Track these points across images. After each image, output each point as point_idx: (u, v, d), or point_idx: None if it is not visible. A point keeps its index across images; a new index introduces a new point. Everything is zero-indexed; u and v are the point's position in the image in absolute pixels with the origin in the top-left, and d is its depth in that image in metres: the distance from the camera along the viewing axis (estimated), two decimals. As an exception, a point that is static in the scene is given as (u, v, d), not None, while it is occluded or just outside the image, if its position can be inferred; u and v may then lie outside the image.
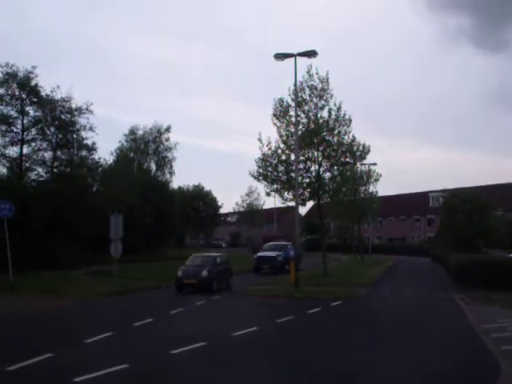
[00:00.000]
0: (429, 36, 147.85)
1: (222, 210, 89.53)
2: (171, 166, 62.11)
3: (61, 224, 33.48)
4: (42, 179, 37.74)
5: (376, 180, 49.93)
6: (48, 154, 37.42)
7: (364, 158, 34.85)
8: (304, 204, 32.63)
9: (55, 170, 37.95)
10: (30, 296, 21.06)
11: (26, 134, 35.76)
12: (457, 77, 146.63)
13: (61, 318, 16.52)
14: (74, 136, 37.96)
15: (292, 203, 30.74)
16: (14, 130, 35.38)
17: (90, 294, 21.75)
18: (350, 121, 29.86)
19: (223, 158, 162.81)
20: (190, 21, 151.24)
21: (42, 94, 35.41)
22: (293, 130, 28.36)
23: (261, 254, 38.22)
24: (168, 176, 62.13)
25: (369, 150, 34.43)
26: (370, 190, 50.30)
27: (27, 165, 36.78)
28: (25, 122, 35.62)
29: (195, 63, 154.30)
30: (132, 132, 60.99)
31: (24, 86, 34.62)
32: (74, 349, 10.96)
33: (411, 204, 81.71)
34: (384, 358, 10.63)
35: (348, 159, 30.89)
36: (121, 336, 12.53)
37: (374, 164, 48.00)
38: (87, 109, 37.22)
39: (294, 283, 24.09)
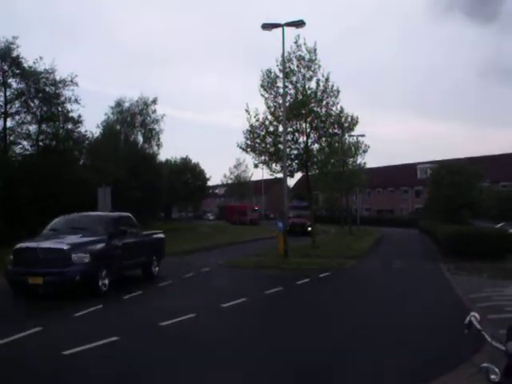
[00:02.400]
0: (421, 6, 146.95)
1: (210, 183, 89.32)
2: (158, 139, 61.61)
3: (47, 198, 33.23)
4: (28, 153, 37.35)
5: (364, 151, 49.84)
6: (33, 128, 36.99)
7: (352, 129, 34.63)
8: (292, 176, 32.57)
9: (41, 144, 37.53)
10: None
11: (9, 106, 35.26)
12: (447, 48, 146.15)
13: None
14: (59, 109, 37.45)
15: (280, 175, 30.70)
16: (-3, 103, 34.84)
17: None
18: (338, 92, 29.68)
19: (211, 131, 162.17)
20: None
21: (25, 65, 34.81)
22: (280, 102, 28.16)
23: None
24: (155, 148, 61.69)
25: (357, 122, 34.19)
26: (358, 162, 50.29)
27: (11, 138, 36.34)
28: (7, 94, 35.09)
29: (183, 35, 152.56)
30: (118, 104, 60.29)
31: (5, 57, 33.93)
32: (63, 323, 10.94)
33: (399, 176, 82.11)
34: (369, 323, 10.79)
35: (336, 130, 30.73)
36: (110, 309, 12.49)
37: (363, 135, 47.87)
38: (72, 81, 36.74)
39: (282, 255, 24.15)
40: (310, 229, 36.78)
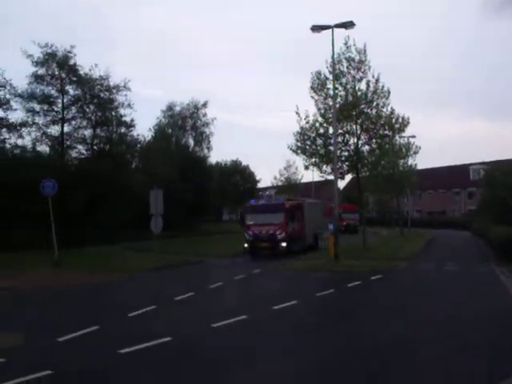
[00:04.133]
0: (476, 3, 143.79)
1: (260, 185, 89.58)
2: (209, 142, 62.38)
3: (102, 200, 34.10)
4: (83, 157, 38.46)
5: (415, 153, 49.04)
6: (88, 132, 38.17)
7: (403, 130, 34.18)
8: (342, 178, 32.47)
9: (95, 148, 38.60)
10: (75, 271, 21.66)
11: (66, 112, 36.40)
12: (505, 47, 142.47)
13: (104, 292, 16.96)
14: (113, 113, 38.59)
15: (330, 177, 30.62)
16: (55, 109, 36.05)
17: (132, 269, 22.24)
18: (389, 93, 29.44)
19: (261, 133, 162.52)
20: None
21: (81, 72, 35.96)
22: (331, 103, 28.13)
23: None
24: (206, 151, 62.46)
25: (408, 123, 33.70)
26: (409, 163, 49.54)
27: (68, 143, 37.49)
28: (65, 100, 36.25)
29: (232, 38, 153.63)
30: (170, 108, 61.30)
31: (63, 65, 35.13)
32: (118, 322, 11.27)
33: (451, 177, 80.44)
34: (423, 330, 10.56)
35: (387, 132, 30.46)
36: (163, 309, 12.78)
37: (413, 137, 47.10)
38: (125, 86, 37.71)
39: (333, 257, 24.13)
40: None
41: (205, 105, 61.36)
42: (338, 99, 28.75)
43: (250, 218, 30.83)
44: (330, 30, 24.92)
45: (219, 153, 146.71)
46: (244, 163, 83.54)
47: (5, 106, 32.28)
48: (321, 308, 13.41)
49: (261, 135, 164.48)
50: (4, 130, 32.75)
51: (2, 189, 28.01)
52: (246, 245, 30.09)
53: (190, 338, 9.73)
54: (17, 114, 36.73)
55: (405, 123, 33.55)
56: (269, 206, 30.91)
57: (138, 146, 42.90)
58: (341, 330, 10.59)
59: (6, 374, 7.44)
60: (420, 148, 49.29)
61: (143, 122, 78.14)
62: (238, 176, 79.85)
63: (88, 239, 32.40)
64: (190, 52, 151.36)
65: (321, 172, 30.40)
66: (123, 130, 39.61)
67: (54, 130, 36.53)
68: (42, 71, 35.10)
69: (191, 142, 62.18)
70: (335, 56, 27.09)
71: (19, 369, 7.66)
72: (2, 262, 23.20)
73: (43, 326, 11.17)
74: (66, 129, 36.69)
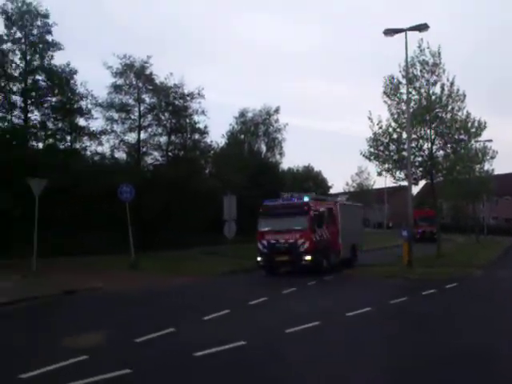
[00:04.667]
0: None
1: (332, 191, 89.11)
2: (281, 147, 62.68)
3: (176, 205, 34.96)
4: (158, 163, 39.63)
5: (492, 157, 47.56)
6: (163, 139, 39.39)
7: (479, 134, 33.29)
8: (416, 183, 31.99)
9: (170, 154, 39.66)
10: (151, 274, 22.37)
11: (142, 120, 37.71)
12: None
13: (180, 295, 17.42)
14: (187, 120, 39.59)
15: (404, 183, 30.18)
16: (132, 117, 37.46)
17: (206, 273, 22.75)
18: (464, 96, 28.79)
19: (333, 138, 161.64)
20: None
21: (157, 81, 37.12)
22: (404, 108, 27.74)
23: None
24: (278, 157, 62.79)
25: (485, 127, 32.76)
26: (486, 169, 48.13)
27: (144, 150, 38.75)
28: (141, 109, 37.56)
29: (300, 43, 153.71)
30: (242, 114, 62.00)
31: (140, 75, 36.40)
32: (193, 325, 11.59)
33: (530, 182, 77.39)
34: (502, 342, 10.12)
35: (462, 136, 29.75)
36: (237, 314, 13.03)
37: (490, 141, 45.59)
38: (199, 93, 38.58)
39: (407, 264, 23.80)
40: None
41: (277, 110, 61.71)
42: (412, 103, 28.34)
43: (264, 223, 24.16)
44: (404, 33, 24.66)
45: (291, 159, 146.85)
46: (316, 169, 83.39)
47: (86, 116, 33.80)
48: (395, 316, 13.27)
49: (332, 140, 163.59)
50: (85, 137, 34.27)
51: (83, 194, 29.23)
52: (259, 258, 23.87)
53: (265, 342, 9.86)
54: (97, 123, 38.47)
55: (481, 127, 32.59)
56: (288, 206, 24.00)
57: (212, 152, 43.71)
58: (417, 339, 10.43)
59: (88, 371, 7.82)
60: (497, 152, 47.76)
61: (216, 129, 79.18)
62: (310, 182, 79.72)
63: (162, 243, 33.29)
64: (262, 56, 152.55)
65: (394, 178, 30.05)
66: (197, 136, 40.60)
67: (131, 137, 38.02)
68: (120, 81, 36.56)
69: (263, 147, 62.68)
70: (409, 59, 26.79)
71: (101, 367, 8.02)
72: (82, 264, 24.25)
73: (122, 327, 11.62)
74: (142, 136, 38.09)
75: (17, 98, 31.81)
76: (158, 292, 17.97)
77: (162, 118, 38.60)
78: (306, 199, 24.16)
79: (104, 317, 13.19)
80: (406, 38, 24.77)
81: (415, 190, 67.12)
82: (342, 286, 19.96)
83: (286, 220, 23.35)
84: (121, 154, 38.44)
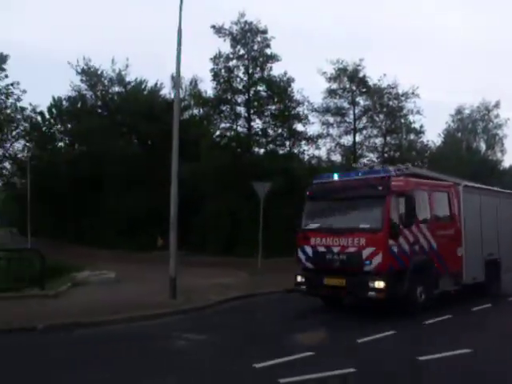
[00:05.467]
0: None
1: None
2: (502, 144, 58.78)
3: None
4: (374, 164, 39.76)
5: None
6: (378, 140, 39.35)
7: None
8: None
9: (386, 155, 39.55)
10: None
11: (357, 122, 38.19)
12: None
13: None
14: (402, 121, 39.14)
15: None
16: (347, 120, 38.14)
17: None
18: None
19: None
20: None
21: (370, 83, 37.31)
22: None
23: None
24: (499, 155, 58.98)
25: None
26: None
27: (360, 152, 39.17)
28: (356, 111, 38.06)
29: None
30: (458, 112, 59.44)
31: (353, 78, 36.97)
32: (414, 328, 11.66)
33: None
34: None
35: None
36: (460, 319, 12.79)
37: None
38: (413, 93, 37.84)
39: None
40: None
41: (497, 105, 57.97)
42: None
43: (309, 215, 14.67)
44: None
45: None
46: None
47: (304, 121, 35.30)
48: None
49: None
50: (303, 142, 35.82)
51: (301, 196, 30.41)
52: (298, 278, 14.43)
53: (492, 351, 9.56)
54: (314, 127, 40.19)
55: None
56: (351, 186, 13.99)
57: (428, 152, 42.73)
58: None
59: (315, 366, 8.34)
60: None
61: (432, 128, 76.79)
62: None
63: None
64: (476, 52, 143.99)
65: None
66: (412, 136, 40.07)
67: (347, 140, 38.69)
68: (334, 86, 37.51)
69: (483, 145, 59.41)
70: None
71: (326, 364, 8.48)
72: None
73: (344, 327, 12.02)
74: (357, 138, 38.54)
75: (241, 109, 34.61)
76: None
77: (377, 119, 38.68)
78: (386, 173, 13.80)
79: (320, 317, 13.80)
80: None
81: None
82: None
83: (345, 211, 14.27)
84: (337, 157, 39.40)
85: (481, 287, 15.92)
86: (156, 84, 42.84)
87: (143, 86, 42.37)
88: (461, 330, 11.61)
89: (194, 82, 45.01)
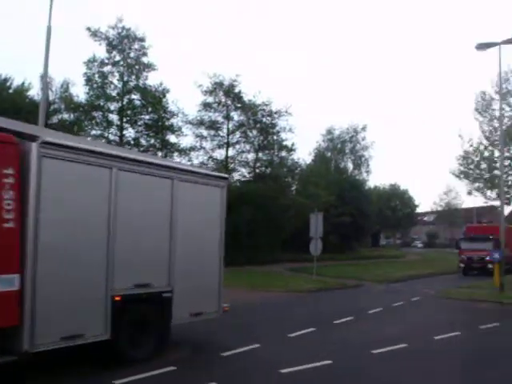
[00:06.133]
0: None
1: (419, 209, 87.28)
2: (368, 165, 62.25)
3: (262, 221, 35.35)
4: (245, 179, 40.30)
5: None
6: (251, 156, 40.09)
7: None
8: (509, 203, 30.80)
9: (257, 171, 40.24)
10: (236, 289, 22.62)
11: (231, 137, 38.62)
12: None
13: (266, 311, 17.55)
14: (274, 138, 40.04)
15: (496, 202, 29.21)
16: (221, 134, 38.43)
17: (293, 290, 22.84)
18: None
19: (420, 156, 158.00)
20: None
21: (245, 99, 37.86)
22: (496, 125, 26.95)
23: None
24: (364, 175, 62.39)
25: None
26: None
27: (232, 166, 39.52)
28: (230, 126, 38.45)
29: (386, 62, 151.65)
30: (329, 132, 62.12)
31: (229, 92, 37.32)
32: (278, 342, 11.68)
33: None
34: None
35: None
36: (322, 332, 13.02)
37: None
38: (286, 111, 38.95)
39: (498, 287, 22.88)
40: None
41: (364, 128, 61.39)
42: (505, 120, 27.43)
43: None
44: (497, 47, 23.86)
45: (378, 177, 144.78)
46: (403, 187, 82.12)
47: (177, 133, 35.07)
48: (484, 341, 12.81)
49: (420, 158, 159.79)
50: (176, 154, 35.49)
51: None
52: None
53: (351, 362, 9.81)
54: (187, 140, 40.24)
55: None
56: None
57: (298, 169, 44.03)
58: (505, 370, 10.04)
59: (177, 380, 8.12)
60: None
61: (303, 146, 79.77)
62: (396, 200, 78.55)
63: (249, 258, 33.64)
64: (349, 74, 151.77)
65: (485, 198, 29.17)
66: (284, 153, 41.04)
67: (219, 153, 38.98)
68: (210, 99, 37.68)
69: (350, 165, 62.46)
70: (502, 75, 25.96)
71: (188, 378, 8.33)
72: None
73: (208, 341, 11.85)
74: (230, 152, 38.98)
75: (114, 117, 33.64)
76: (242, 307, 18.10)
77: (250, 135, 39.35)
78: None
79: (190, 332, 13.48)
80: (499, 52, 23.88)
81: (507, 209, 64.63)
82: (429, 308, 19.40)
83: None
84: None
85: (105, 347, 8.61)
86: (23, 83, 40.63)
87: (8, 84, 39.97)
88: (323, 343, 11.82)
89: (65, 85, 43.14)
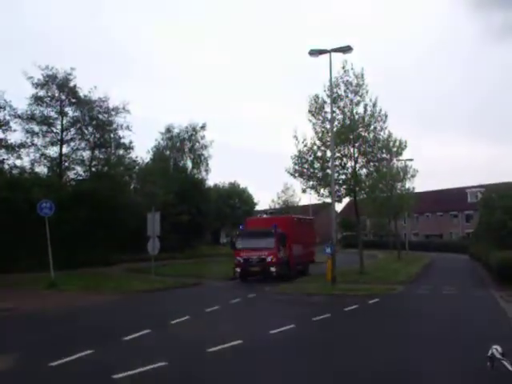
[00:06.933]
0: (474, 32, 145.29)
1: (258, 207, 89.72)
2: (207, 164, 62.56)
3: (99, 222, 34.11)
4: (81, 178, 38.61)
5: (412, 176, 49.16)
6: (86, 154, 38.53)
7: (400, 154, 34.46)
8: (340, 201, 32.54)
9: (93, 169, 38.76)
10: (70, 292, 21.60)
11: (65, 134, 36.78)
12: (501, 73, 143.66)
13: (100, 314, 16.87)
14: (112, 135, 38.87)
15: (328, 200, 30.63)
16: (54, 130, 36.40)
17: (128, 291, 22.19)
18: (386, 116, 29.57)
19: (259, 156, 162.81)
20: (223, 18, 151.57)
21: (81, 94, 36.28)
22: (328, 127, 28.24)
23: None
24: (204, 174, 62.61)
25: (406, 146, 33.96)
26: (407, 186, 49.64)
27: (66, 164, 37.68)
28: (64, 122, 36.56)
29: (228, 62, 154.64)
30: (168, 130, 61.62)
31: (63, 87, 35.47)
32: (112, 346, 11.20)
33: (448, 200, 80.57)
34: (420, 356, 10.37)
35: (384, 155, 30.64)
36: (158, 333, 12.70)
37: (411, 160, 47.16)
38: (124, 108, 38.02)
39: (330, 281, 24.05)
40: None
41: (203, 127, 61.65)
42: (336, 123, 28.90)
43: None
44: (328, 54, 25.00)
45: (217, 175, 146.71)
46: (242, 186, 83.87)
47: (4, 127, 32.53)
48: (318, 332, 13.31)
49: (259, 158, 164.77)
50: (2, 150, 32.92)
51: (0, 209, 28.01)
52: None
53: (187, 362, 9.64)
54: (16, 135, 37.54)
55: (402, 147, 33.72)
56: None
57: (137, 167, 43.08)
58: (339, 355, 10.52)
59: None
60: (417, 171, 49.41)
61: (142, 144, 78.47)
62: (236, 198, 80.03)
63: (85, 260, 32.36)
64: (188, 74, 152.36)
65: (318, 195, 30.44)
66: (121, 151, 39.91)
67: (53, 151, 36.98)
68: (42, 93, 35.50)
69: (189, 164, 62.40)
70: (333, 80, 27.26)
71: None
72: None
73: (36, 350, 11.05)
74: (64, 150, 37.10)
75: None
76: (75, 311, 17.30)
77: (86, 132, 37.78)
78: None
79: (13, 339, 12.45)
80: (330, 58, 25.12)
81: (340, 206, 68.73)
82: (265, 303, 19.87)
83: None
84: (42, 169, 37.17)
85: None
86: None
87: None
88: (158, 344, 11.53)
89: None
